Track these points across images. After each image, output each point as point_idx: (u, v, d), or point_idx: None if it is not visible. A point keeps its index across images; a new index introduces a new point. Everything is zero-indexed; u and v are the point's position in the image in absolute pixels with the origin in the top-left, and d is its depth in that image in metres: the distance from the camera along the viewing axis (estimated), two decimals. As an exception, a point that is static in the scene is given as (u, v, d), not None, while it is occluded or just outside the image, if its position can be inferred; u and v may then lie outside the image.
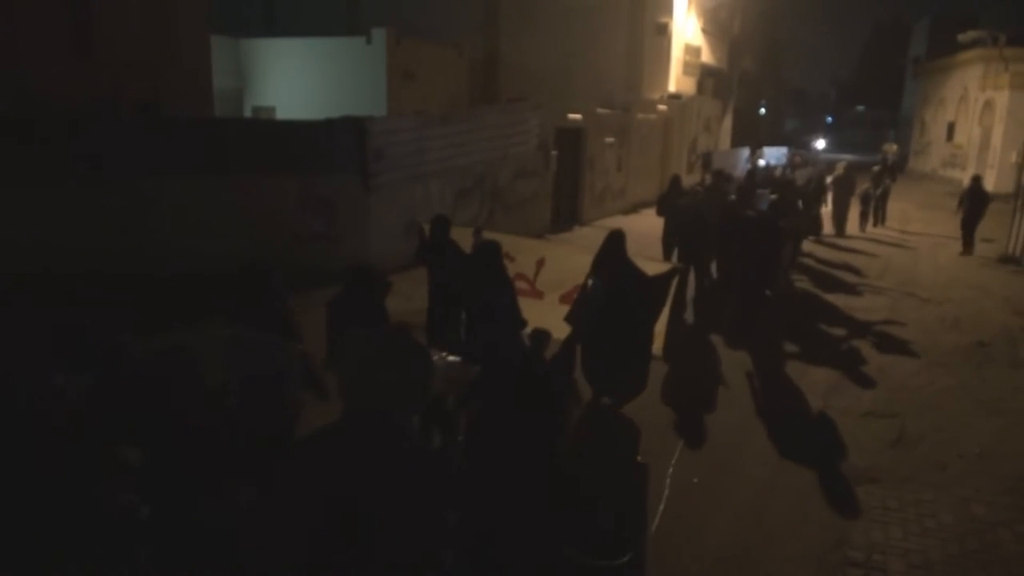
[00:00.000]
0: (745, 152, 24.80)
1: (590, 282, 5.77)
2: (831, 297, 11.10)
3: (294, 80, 18.77)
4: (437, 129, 11.81)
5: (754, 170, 17.02)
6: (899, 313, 10.32)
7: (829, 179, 16.65)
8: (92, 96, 11.67)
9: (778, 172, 17.57)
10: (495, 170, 13.20)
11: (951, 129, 30.77)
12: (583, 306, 5.75)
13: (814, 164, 18.24)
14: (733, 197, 10.61)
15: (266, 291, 4.68)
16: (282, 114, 17.76)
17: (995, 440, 6.28)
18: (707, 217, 9.59)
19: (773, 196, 11.00)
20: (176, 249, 9.64)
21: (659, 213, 10.70)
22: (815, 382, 7.69)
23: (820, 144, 25.58)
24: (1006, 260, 13.74)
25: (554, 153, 15.09)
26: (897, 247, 15.63)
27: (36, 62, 11.35)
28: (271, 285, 4.75)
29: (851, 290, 11.58)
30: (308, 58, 18.69)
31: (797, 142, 27.80)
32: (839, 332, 9.42)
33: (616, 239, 5.87)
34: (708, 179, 13.55)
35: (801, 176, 15.87)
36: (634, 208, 19.34)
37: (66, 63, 11.85)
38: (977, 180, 14.66)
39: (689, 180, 20.94)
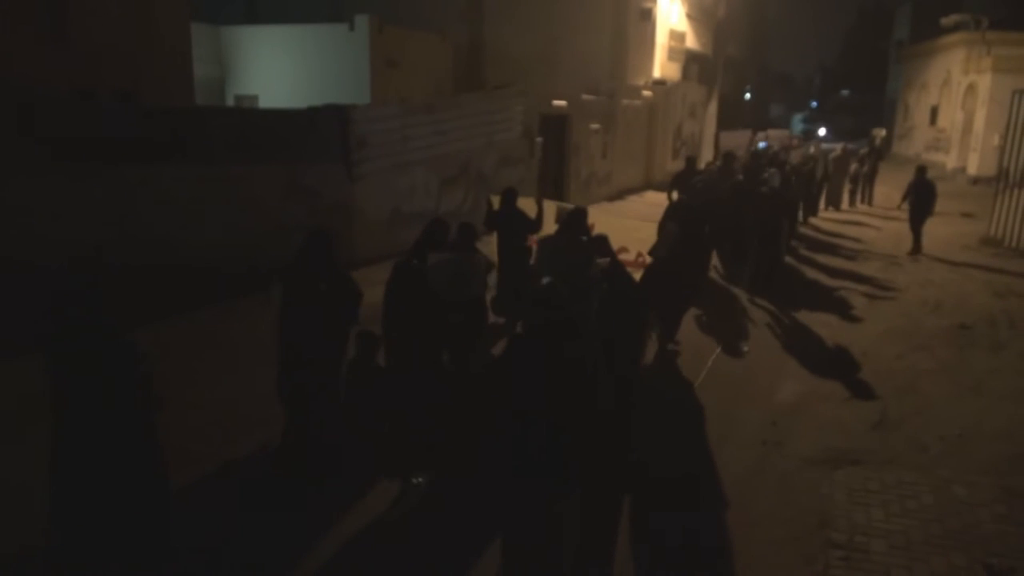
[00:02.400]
0: (749, 134, 26.53)
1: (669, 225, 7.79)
2: (818, 273, 11.59)
3: (276, 68, 18.60)
4: (421, 117, 11.75)
5: (756, 151, 18.93)
6: (881, 295, 10.41)
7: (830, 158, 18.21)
8: (69, 84, 11.49)
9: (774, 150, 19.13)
10: (480, 157, 13.16)
11: (934, 113, 30.90)
12: (663, 242, 7.48)
13: (816, 148, 19.75)
14: (741, 176, 11.92)
15: (330, 252, 5.12)
16: (265, 103, 17.61)
17: (976, 422, 6.35)
18: (719, 193, 10.63)
19: (774, 171, 11.93)
20: (157, 239, 9.55)
21: (675, 190, 11.62)
22: (799, 364, 7.75)
23: (822, 132, 26.04)
24: (988, 243, 13.86)
25: (539, 140, 15.06)
26: (883, 223, 16.82)
27: (10, 48, 11.16)
28: (332, 247, 5.18)
29: (836, 273, 11.68)
30: (290, 46, 18.51)
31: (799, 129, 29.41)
32: (824, 316, 9.49)
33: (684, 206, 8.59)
34: (719, 160, 14.72)
35: (795, 156, 17.96)
36: (620, 194, 19.35)
37: (42, 50, 11.67)
38: (922, 171, 13.35)
39: (673, 166, 21.04)
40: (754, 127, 29.46)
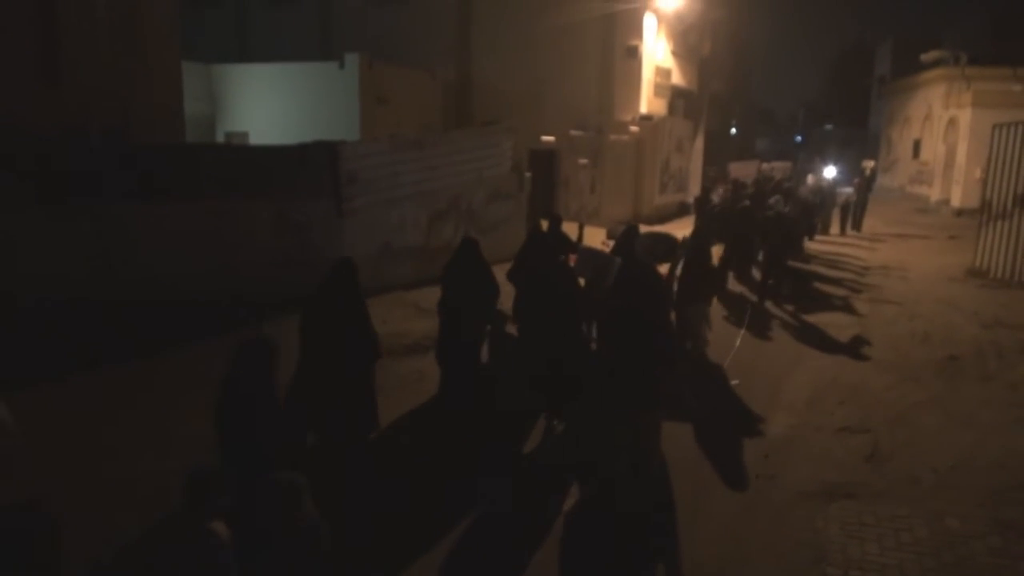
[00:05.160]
0: (755, 163, 29.54)
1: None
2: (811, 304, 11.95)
3: (267, 105, 18.72)
4: (411, 153, 11.82)
5: (761, 179, 21.42)
6: (871, 327, 10.46)
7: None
8: (60, 122, 11.52)
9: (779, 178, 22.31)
10: (470, 193, 13.22)
11: (917, 146, 31.34)
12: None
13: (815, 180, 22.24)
14: (747, 202, 13.72)
15: (354, 280, 5.85)
16: (255, 140, 17.69)
17: (968, 453, 6.34)
18: (729, 217, 13.10)
19: (779, 198, 13.74)
20: (147, 276, 9.51)
21: (697, 214, 14.68)
22: (791, 396, 7.75)
23: (831, 172, 26.34)
24: (973, 274, 13.97)
25: (528, 175, 15.16)
26: (872, 249, 17.75)
27: (0, 88, 11.20)
28: (356, 275, 5.90)
29: (827, 304, 11.76)
30: (280, 83, 18.66)
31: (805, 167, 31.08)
32: (814, 347, 9.53)
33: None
34: (729, 188, 17.62)
35: (803, 190, 19.67)
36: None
37: (32, 89, 11.71)
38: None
39: (661, 200, 21.24)
40: (760, 158, 33.43)
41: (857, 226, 20.49)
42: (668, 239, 10.28)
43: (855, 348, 9.58)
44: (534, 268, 7.44)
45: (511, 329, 7.99)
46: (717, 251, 11.29)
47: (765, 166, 29.23)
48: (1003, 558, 4.72)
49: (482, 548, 4.95)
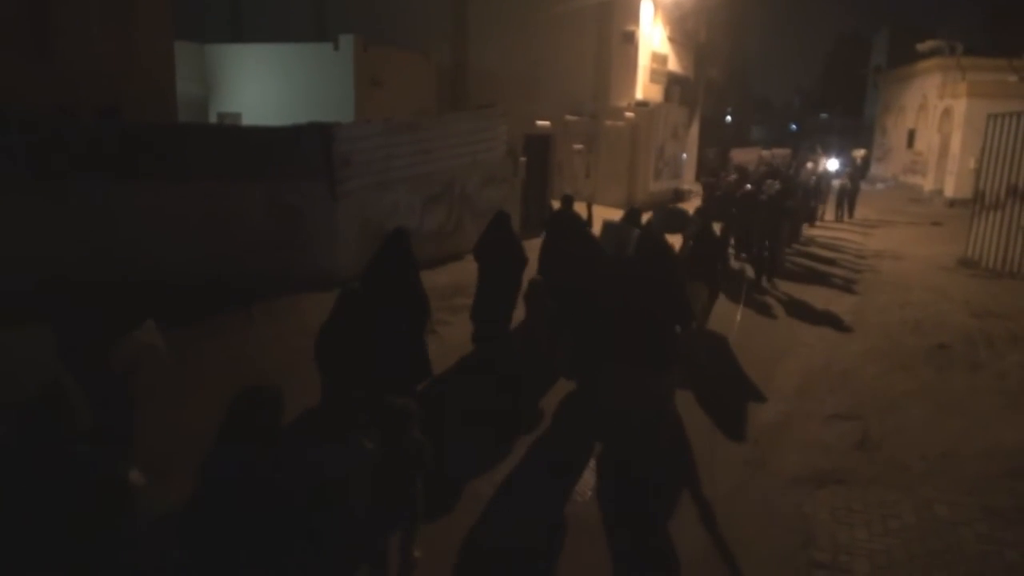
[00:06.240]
0: (756, 150, 30.91)
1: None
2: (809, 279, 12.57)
3: (260, 86, 18.59)
4: (405, 136, 11.75)
5: (762, 166, 22.22)
6: (863, 315, 10.50)
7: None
8: (51, 101, 11.41)
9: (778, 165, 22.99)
10: (464, 177, 13.17)
11: (911, 136, 31.39)
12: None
13: (815, 165, 23.14)
14: (749, 186, 14.20)
15: (406, 250, 6.47)
16: (248, 121, 17.57)
17: (956, 441, 6.38)
18: (732, 200, 13.89)
19: (776, 184, 13.86)
20: (137, 257, 9.45)
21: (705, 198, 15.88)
22: (781, 383, 7.78)
23: (834, 165, 26.68)
24: (965, 264, 14.03)
25: (523, 159, 15.11)
26: (866, 235, 18.40)
27: (-8, 66, 11.09)
28: (410, 246, 6.53)
29: (820, 289, 11.81)
30: (274, 64, 18.52)
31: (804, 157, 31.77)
32: (805, 334, 9.57)
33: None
34: (734, 174, 18.15)
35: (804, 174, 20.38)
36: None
37: (23, 67, 11.59)
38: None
39: (655, 187, 21.22)
40: (758, 146, 34.92)
41: (850, 213, 21.04)
42: (682, 213, 10.63)
43: (847, 335, 9.61)
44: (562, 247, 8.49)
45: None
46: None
47: (765, 153, 30.22)
48: (990, 544, 4.76)
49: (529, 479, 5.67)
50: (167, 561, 3.25)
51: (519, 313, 7.84)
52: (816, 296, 11.67)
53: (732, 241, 13.32)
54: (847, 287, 12.45)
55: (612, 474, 5.73)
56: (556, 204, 10.44)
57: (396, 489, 4.07)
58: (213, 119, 19.01)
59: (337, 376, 5.62)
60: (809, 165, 22.50)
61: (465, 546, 4.75)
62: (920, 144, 30.10)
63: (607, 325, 6.47)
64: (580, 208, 9.81)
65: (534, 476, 5.74)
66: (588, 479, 5.68)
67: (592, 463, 5.91)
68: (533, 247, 9.09)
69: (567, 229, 9.40)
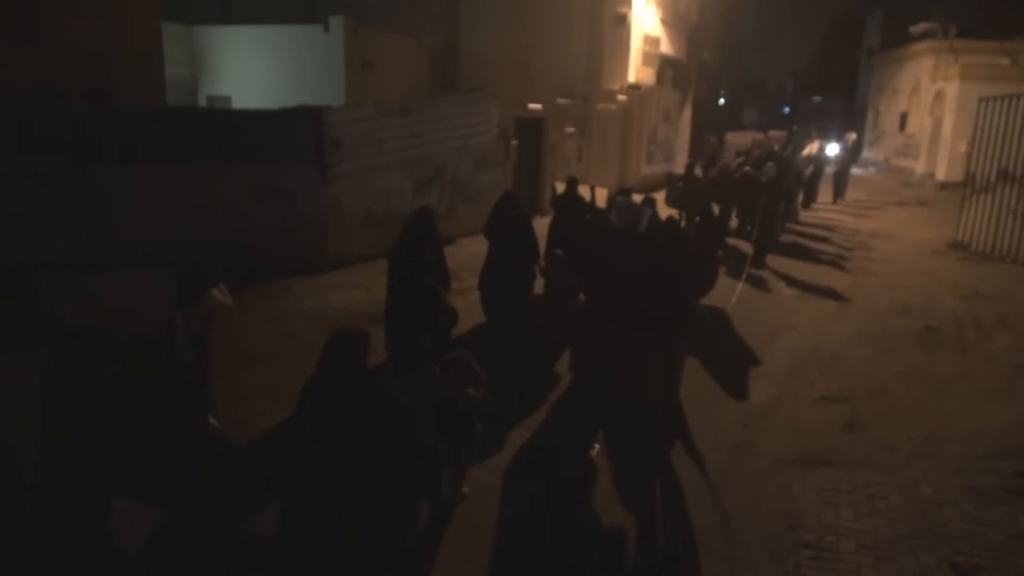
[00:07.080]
0: (749, 135, 31.30)
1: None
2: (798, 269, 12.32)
3: (250, 69, 18.44)
4: (396, 119, 11.69)
5: (757, 148, 22.46)
6: (853, 297, 10.54)
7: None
8: (39, 83, 11.32)
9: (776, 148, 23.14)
10: (455, 160, 13.13)
11: (904, 119, 31.35)
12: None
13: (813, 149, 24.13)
14: (748, 168, 14.80)
15: (431, 227, 6.80)
16: (238, 104, 17.43)
17: (943, 423, 6.44)
18: (732, 181, 14.48)
19: (771, 165, 14.66)
20: (127, 240, 9.41)
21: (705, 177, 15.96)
22: (770, 366, 7.82)
23: (835, 150, 26.90)
24: (955, 247, 14.08)
25: (515, 143, 15.06)
26: (859, 216, 18.79)
27: (-22, 49, 10.98)
28: (434, 223, 6.89)
29: (813, 271, 11.85)
30: (264, 46, 18.37)
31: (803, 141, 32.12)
32: (795, 317, 9.60)
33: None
34: (739, 156, 18.74)
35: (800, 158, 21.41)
36: (595, 198, 19.42)
37: (10, 50, 11.47)
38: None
39: (648, 170, 21.19)
40: (754, 129, 36.41)
41: (840, 195, 21.40)
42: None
43: (837, 318, 9.66)
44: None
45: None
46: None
47: (759, 136, 30.83)
48: (975, 524, 4.81)
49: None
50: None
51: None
52: (807, 276, 11.72)
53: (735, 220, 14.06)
54: (838, 268, 12.50)
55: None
56: (560, 186, 10.82)
57: (460, 429, 4.63)
58: (202, 102, 18.86)
59: (402, 330, 6.24)
60: (806, 150, 23.34)
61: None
62: (912, 127, 30.08)
63: (615, 291, 6.60)
64: (583, 190, 10.07)
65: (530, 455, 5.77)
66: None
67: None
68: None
69: (575, 208, 9.65)
